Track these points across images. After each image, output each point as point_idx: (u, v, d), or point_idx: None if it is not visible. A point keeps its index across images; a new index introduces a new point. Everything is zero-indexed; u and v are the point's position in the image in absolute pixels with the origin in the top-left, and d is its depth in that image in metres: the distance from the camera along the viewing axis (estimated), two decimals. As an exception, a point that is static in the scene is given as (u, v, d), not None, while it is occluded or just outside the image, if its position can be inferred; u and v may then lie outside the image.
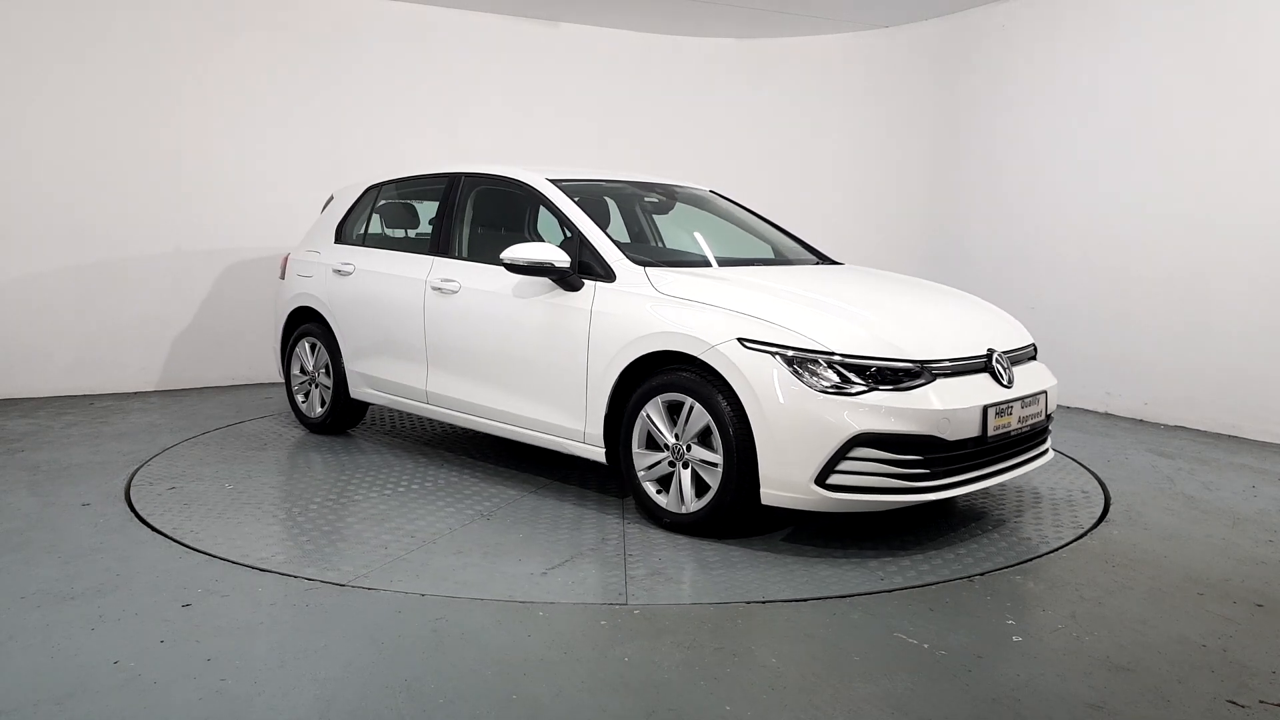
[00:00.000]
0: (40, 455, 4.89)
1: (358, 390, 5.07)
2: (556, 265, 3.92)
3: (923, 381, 3.39)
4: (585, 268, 4.01)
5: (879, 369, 3.36)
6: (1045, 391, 3.85)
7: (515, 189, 4.63)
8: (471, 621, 2.87)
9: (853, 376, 3.33)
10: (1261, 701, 2.43)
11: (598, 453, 3.94)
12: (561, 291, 4.03)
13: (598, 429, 3.90)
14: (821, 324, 3.49)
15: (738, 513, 3.53)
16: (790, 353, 3.36)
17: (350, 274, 5.05)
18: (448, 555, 3.44)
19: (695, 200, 5.13)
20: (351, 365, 5.04)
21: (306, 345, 5.39)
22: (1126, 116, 6.21)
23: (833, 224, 8.16)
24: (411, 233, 5.27)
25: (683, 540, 3.62)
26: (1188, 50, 5.84)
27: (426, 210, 5.24)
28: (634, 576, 3.27)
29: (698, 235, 4.72)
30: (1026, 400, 3.69)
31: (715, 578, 3.27)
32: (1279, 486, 4.56)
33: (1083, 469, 4.82)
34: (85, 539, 3.60)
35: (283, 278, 5.64)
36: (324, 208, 5.71)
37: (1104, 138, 6.35)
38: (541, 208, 4.60)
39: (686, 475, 3.64)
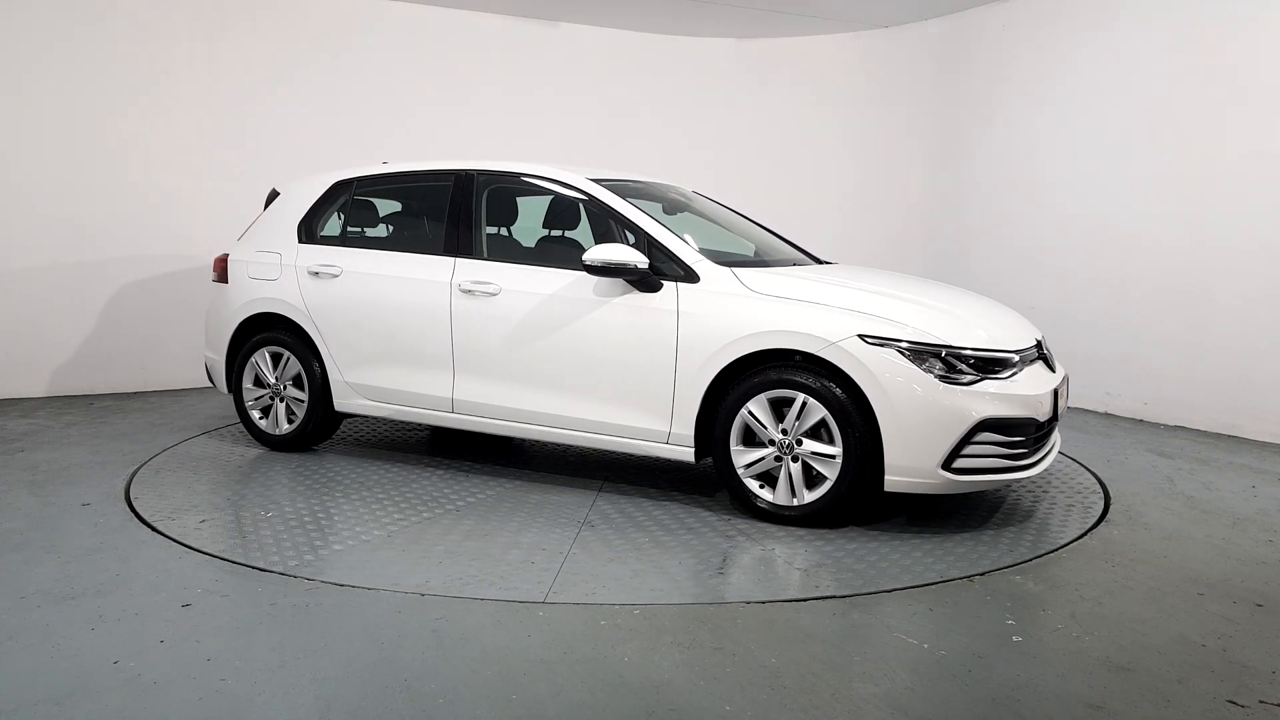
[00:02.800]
0: (40, 455, 4.89)
1: (347, 402, 4.75)
2: (639, 267, 3.90)
3: (1015, 370, 3.69)
4: (655, 269, 4.00)
5: (982, 359, 3.62)
6: (1067, 375, 4.20)
7: (550, 188, 4.54)
8: (471, 621, 2.87)
9: (963, 367, 3.57)
10: (1261, 701, 2.43)
11: (685, 453, 3.95)
12: (638, 293, 3.99)
13: (687, 429, 3.91)
14: (928, 319, 3.70)
15: (854, 502, 3.67)
16: (910, 346, 3.57)
17: (337, 276, 4.71)
18: (604, 564, 3.38)
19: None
20: (343, 375, 4.72)
21: (267, 355, 4.93)
22: (1126, 116, 6.21)
23: (832, 224, 8.18)
24: (411, 232, 5.07)
25: (801, 532, 3.72)
26: (1188, 50, 5.84)
27: (418, 209, 5.09)
28: (804, 568, 3.36)
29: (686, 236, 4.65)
30: (1064, 383, 4.05)
31: (873, 561, 3.43)
32: (1279, 486, 4.56)
33: (1083, 469, 4.82)
34: (85, 539, 3.60)
35: (222, 281, 5.15)
36: (267, 204, 5.27)
37: (1104, 137, 6.35)
38: (585, 208, 4.50)
39: (796, 469, 3.73)
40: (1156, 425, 5.98)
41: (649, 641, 2.74)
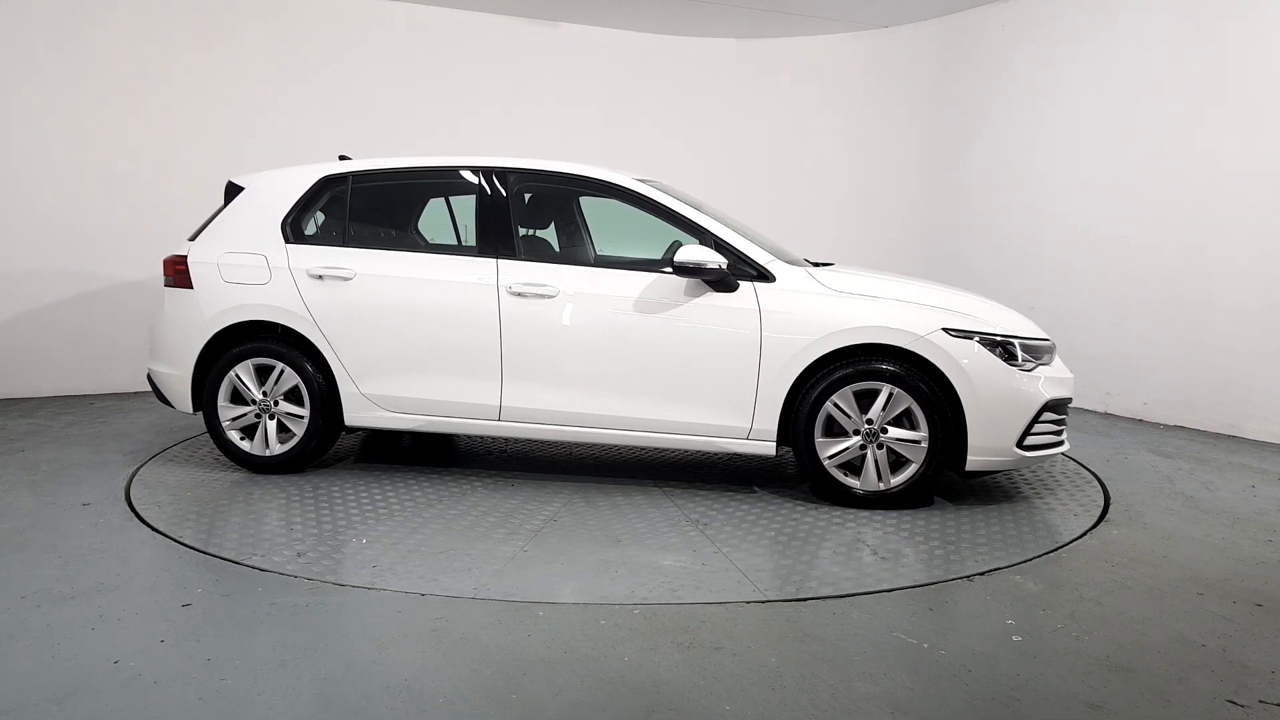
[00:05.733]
0: (40, 455, 4.89)
1: (363, 415, 4.39)
2: (720, 267, 3.98)
3: (1052, 357, 4.13)
4: (731, 269, 4.07)
5: (1034, 347, 4.02)
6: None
7: (594, 190, 4.51)
8: (471, 621, 2.87)
9: (1025, 355, 3.97)
10: (1261, 701, 2.43)
11: (764, 447, 4.08)
12: (714, 293, 4.05)
13: (769, 424, 4.04)
14: (988, 311, 4.10)
15: (933, 482, 3.99)
16: (987, 337, 3.94)
17: (349, 280, 4.35)
18: (771, 559, 3.43)
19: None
20: (357, 386, 4.36)
21: (251, 369, 4.45)
22: (1126, 116, 6.21)
23: (832, 224, 8.18)
24: (433, 233, 4.81)
25: (893, 514, 3.98)
26: (1187, 51, 5.84)
27: (435, 208, 4.96)
28: (944, 544, 3.59)
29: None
30: None
31: (995, 540, 3.70)
32: (1278, 486, 4.56)
33: (1082, 469, 4.82)
34: (85, 539, 3.60)
35: (181, 285, 4.59)
36: (230, 199, 4.71)
37: (1103, 138, 6.35)
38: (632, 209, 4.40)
39: (882, 455, 3.99)
40: (1156, 425, 5.98)
41: (649, 641, 2.74)
